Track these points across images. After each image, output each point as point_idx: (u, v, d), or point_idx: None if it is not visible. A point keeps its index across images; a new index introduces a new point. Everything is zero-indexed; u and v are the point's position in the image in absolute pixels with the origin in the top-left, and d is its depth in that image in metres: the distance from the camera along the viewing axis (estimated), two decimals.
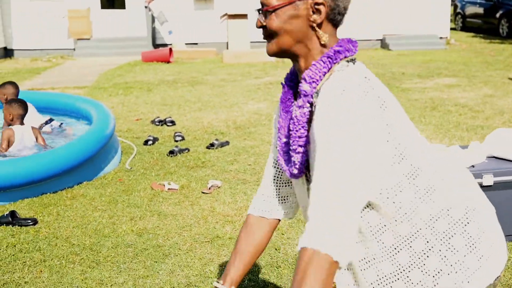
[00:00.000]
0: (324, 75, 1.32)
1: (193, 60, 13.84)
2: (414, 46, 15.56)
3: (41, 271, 3.22)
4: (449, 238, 1.34)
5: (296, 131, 1.35)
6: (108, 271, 3.21)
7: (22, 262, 3.34)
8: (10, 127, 5.04)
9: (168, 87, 9.42)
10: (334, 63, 1.33)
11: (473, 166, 3.40)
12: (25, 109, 5.09)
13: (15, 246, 3.55)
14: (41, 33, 15.63)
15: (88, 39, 15.63)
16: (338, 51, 1.32)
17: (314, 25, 1.31)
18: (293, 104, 1.42)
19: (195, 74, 11.01)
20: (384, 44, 16.29)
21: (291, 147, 1.39)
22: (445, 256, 1.33)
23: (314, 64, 1.33)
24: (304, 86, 1.32)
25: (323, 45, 1.34)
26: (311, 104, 1.33)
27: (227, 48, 15.38)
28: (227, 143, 5.78)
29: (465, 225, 1.35)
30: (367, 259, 1.38)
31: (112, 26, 15.94)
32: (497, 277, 1.39)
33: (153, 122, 6.82)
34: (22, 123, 5.09)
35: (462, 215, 1.36)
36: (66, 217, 4.02)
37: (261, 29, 1.55)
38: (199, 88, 9.23)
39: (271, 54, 1.37)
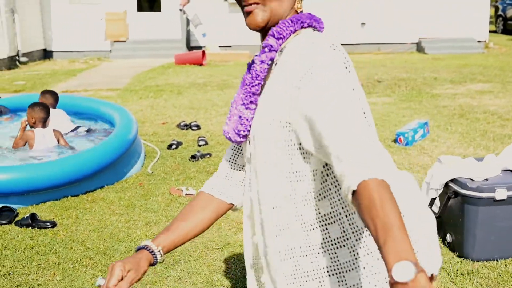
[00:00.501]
0: (290, 34, 1.31)
1: (226, 62, 13.94)
2: (451, 50, 15.30)
3: (54, 274, 3.31)
4: (367, 236, 1.30)
5: (252, 86, 1.33)
6: None
7: (37, 264, 3.44)
8: (31, 129, 5.23)
9: (198, 90, 9.51)
10: (302, 27, 1.32)
11: (486, 179, 3.35)
12: (47, 112, 5.27)
13: (32, 248, 3.66)
14: (79, 35, 15.98)
15: (124, 41, 15.91)
16: (307, 16, 1.33)
17: None
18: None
19: (225, 77, 11.09)
20: (419, 48, 16.07)
21: (243, 102, 1.35)
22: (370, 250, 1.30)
23: (282, 22, 1.31)
24: (270, 40, 1.30)
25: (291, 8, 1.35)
26: (272, 61, 1.32)
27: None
28: None
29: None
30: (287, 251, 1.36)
31: (148, 28, 16.18)
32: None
33: (178, 126, 6.91)
34: (44, 126, 5.26)
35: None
36: (84, 220, 4.12)
37: None
38: (228, 92, 9.29)
39: (261, 24, 1.30)
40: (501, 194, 3.25)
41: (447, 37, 16.06)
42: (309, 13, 1.36)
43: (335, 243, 1.30)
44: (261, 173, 1.34)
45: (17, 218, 4.14)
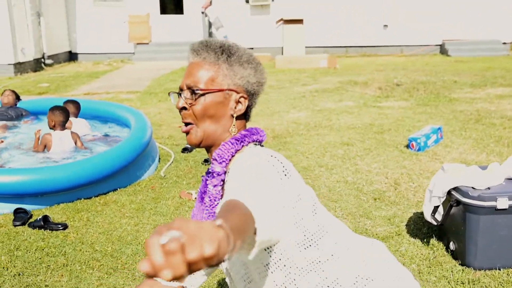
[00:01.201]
0: (232, 155, 1.42)
1: None
2: (475, 52, 15.12)
3: (62, 275, 3.41)
4: None
5: (212, 207, 1.45)
6: (123, 278, 3.36)
7: (46, 265, 3.55)
8: (50, 132, 5.40)
9: None
10: (242, 146, 1.43)
11: (489, 188, 3.34)
12: (66, 116, 5.48)
13: (43, 249, 3.77)
14: (103, 38, 16.23)
15: (147, 43, 16.11)
16: (245, 135, 1.43)
17: (235, 115, 1.43)
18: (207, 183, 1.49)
19: None
20: (443, 50, 15.92)
21: (207, 215, 1.48)
22: None
23: (223, 144, 1.42)
24: (215, 167, 1.42)
25: (231, 130, 1.46)
26: (223, 181, 1.43)
27: (282, 53, 15.47)
28: None
29: None
30: None
31: (170, 31, 16.36)
32: None
33: None
34: (62, 129, 5.43)
35: (351, 284, 1.40)
36: (95, 223, 4.22)
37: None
38: None
39: (196, 143, 1.45)
40: (502, 203, 3.24)
41: (471, 39, 15.88)
42: (248, 130, 1.45)
43: None
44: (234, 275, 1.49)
45: (30, 220, 4.26)
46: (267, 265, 1.36)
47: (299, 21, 14.95)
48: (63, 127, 5.47)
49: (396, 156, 5.55)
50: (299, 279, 1.36)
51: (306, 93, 9.36)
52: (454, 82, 9.99)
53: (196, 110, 1.42)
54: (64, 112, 5.45)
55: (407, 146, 5.74)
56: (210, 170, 1.45)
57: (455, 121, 6.94)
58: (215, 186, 1.44)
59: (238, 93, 1.44)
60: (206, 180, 1.49)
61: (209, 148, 1.49)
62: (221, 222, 0.89)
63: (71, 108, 6.13)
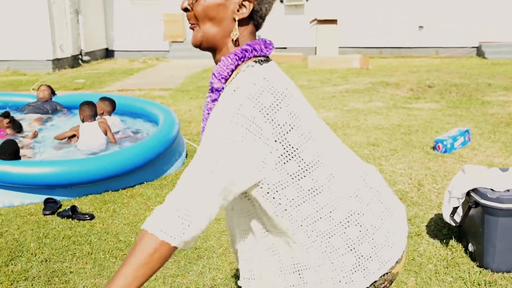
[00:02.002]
0: (232, 71, 1.44)
1: (279, 64, 14.05)
2: None
3: (86, 263, 3.54)
4: (329, 238, 1.43)
5: (208, 114, 1.52)
6: None
7: (72, 253, 3.68)
8: (79, 125, 5.66)
9: None
10: (242, 61, 1.43)
11: (508, 190, 3.33)
12: (93, 110, 5.82)
13: (70, 238, 3.92)
14: (139, 36, 16.51)
15: (182, 42, 16.32)
16: (246, 50, 1.43)
17: (237, 18, 1.41)
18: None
19: None
20: (479, 52, 15.68)
21: (203, 125, 1.56)
22: (324, 252, 1.44)
23: (222, 60, 1.44)
24: (215, 83, 1.46)
25: (236, 42, 1.45)
26: None
27: (315, 53, 15.48)
28: None
29: (345, 228, 1.44)
30: (250, 252, 1.55)
31: None
32: (383, 276, 1.49)
33: None
34: (91, 121, 5.71)
35: (343, 218, 1.44)
36: (121, 214, 4.35)
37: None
38: None
39: (196, 43, 1.47)
40: None
41: (509, 41, 15.58)
42: (250, 44, 1.45)
43: (303, 248, 1.48)
44: None
45: (59, 210, 4.42)
46: (254, 200, 1.44)
47: (333, 21, 14.94)
48: (92, 120, 5.71)
49: (421, 157, 5.54)
50: (290, 209, 1.40)
51: (336, 93, 9.36)
52: (488, 85, 9.84)
53: (196, 11, 1.42)
54: (91, 106, 5.78)
55: (434, 148, 5.72)
56: (210, 85, 1.48)
57: (485, 124, 6.86)
58: (213, 100, 1.48)
59: None
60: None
61: (213, 53, 1.50)
62: None
63: (106, 105, 6.30)
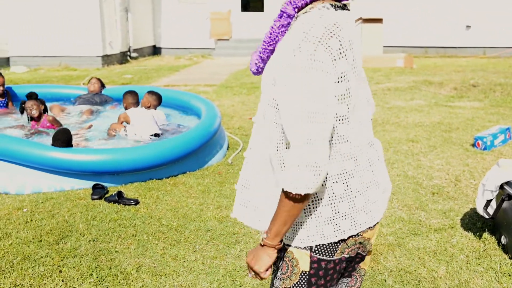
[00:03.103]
0: (306, 4, 1.57)
1: None
2: None
3: (130, 244, 3.76)
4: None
5: (270, 38, 1.63)
6: (184, 250, 3.66)
7: (118, 234, 3.91)
8: (125, 112, 6.17)
9: None
10: None
11: None
12: (136, 97, 6.43)
13: (116, 221, 4.14)
14: (186, 33, 16.85)
15: (228, 39, 16.57)
16: None
17: None
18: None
19: None
20: None
21: (260, 55, 1.68)
22: (316, 197, 1.61)
23: None
24: (287, 9, 1.58)
25: None
26: (289, 24, 1.60)
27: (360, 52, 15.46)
28: None
29: (333, 182, 1.60)
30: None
31: (250, 27, 16.74)
32: (354, 237, 1.65)
33: None
34: (136, 106, 6.35)
35: (336, 173, 1.59)
36: (164, 201, 4.56)
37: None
38: None
39: None
40: None
41: None
42: None
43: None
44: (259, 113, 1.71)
45: (106, 195, 4.66)
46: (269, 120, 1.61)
47: (379, 20, 14.90)
48: (136, 105, 6.08)
49: (460, 154, 5.56)
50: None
51: (378, 91, 9.40)
52: None
53: None
54: (133, 94, 6.25)
55: (473, 145, 5.73)
56: (282, 10, 1.60)
57: None
58: (281, 25, 1.60)
59: None
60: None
61: None
62: (264, 238, 1.60)
63: (153, 99, 6.52)
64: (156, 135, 6.00)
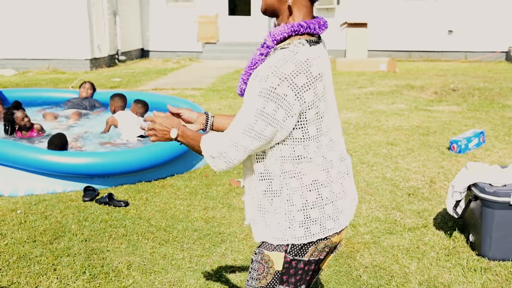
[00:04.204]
0: (284, 38, 1.80)
1: None
2: None
3: (121, 243, 3.96)
4: (293, 193, 1.86)
5: (251, 63, 1.90)
6: (172, 249, 3.87)
7: (109, 235, 4.11)
8: (111, 116, 6.36)
9: None
10: (296, 34, 1.79)
11: (505, 185, 3.62)
12: (124, 101, 6.67)
13: (107, 222, 4.34)
14: (173, 37, 17.03)
15: (215, 43, 16.77)
16: (301, 25, 1.78)
17: None
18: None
19: None
20: (509, 57, 15.71)
21: (243, 77, 1.95)
22: (287, 201, 1.87)
23: (281, 26, 1.81)
24: (267, 41, 1.83)
25: (291, 10, 1.80)
26: (268, 54, 1.85)
27: (345, 56, 15.74)
28: None
29: (308, 191, 1.85)
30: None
31: (237, 31, 16.96)
32: (323, 240, 1.90)
33: None
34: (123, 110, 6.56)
35: (309, 183, 1.85)
36: (153, 202, 4.77)
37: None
38: None
39: (262, 10, 1.87)
40: None
41: None
42: (306, 22, 1.80)
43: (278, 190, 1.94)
44: None
45: (97, 197, 4.86)
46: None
47: (363, 25, 15.19)
48: (123, 110, 6.27)
49: (436, 156, 5.82)
50: (278, 160, 1.84)
51: (361, 95, 9.66)
52: (511, 89, 10.01)
53: None
54: (122, 98, 6.52)
55: (449, 148, 5.99)
56: (264, 41, 1.86)
57: (501, 126, 7.09)
58: (261, 54, 1.87)
59: None
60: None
61: (276, 18, 1.86)
62: (178, 130, 1.92)
63: (137, 107, 6.75)
64: (142, 136, 6.21)
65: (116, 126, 6.28)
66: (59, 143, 5.26)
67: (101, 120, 7.04)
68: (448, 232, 4.06)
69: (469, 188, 3.78)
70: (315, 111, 1.77)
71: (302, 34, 1.79)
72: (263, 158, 1.87)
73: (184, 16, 16.94)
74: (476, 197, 3.67)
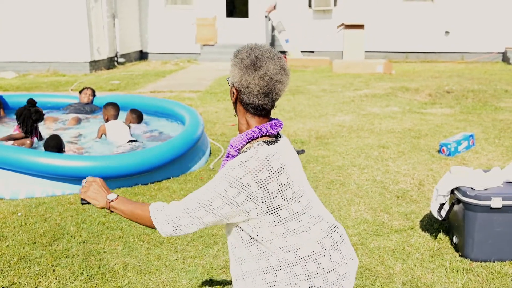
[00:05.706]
0: (243, 146, 2.00)
1: (306, 68, 14.52)
2: None
3: (117, 245, 4.11)
4: (293, 266, 1.96)
5: (222, 163, 2.08)
6: (167, 250, 4.01)
7: (106, 236, 4.25)
8: (102, 124, 6.57)
9: None
10: (253, 139, 1.99)
11: (486, 189, 3.77)
12: (117, 110, 6.75)
13: (104, 224, 4.49)
14: (172, 39, 17.18)
15: (213, 45, 16.92)
16: (254, 131, 1.99)
17: (232, 101, 2.04)
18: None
19: (300, 83, 11.70)
20: (505, 58, 15.85)
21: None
22: (289, 273, 1.97)
23: (238, 136, 2.02)
24: (231, 151, 2.03)
25: (244, 119, 2.02)
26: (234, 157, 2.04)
27: (342, 57, 15.88)
28: (302, 151, 6.41)
29: (306, 262, 1.97)
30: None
31: (235, 33, 17.11)
32: None
33: None
34: (115, 119, 6.65)
35: (306, 255, 1.98)
36: None
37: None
38: (297, 98, 9.91)
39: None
40: (496, 202, 3.67)
41: None
42: (259, 127, 1.99)
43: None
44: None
45: None
46: (237, 227, 2.02)
47: (360, 26, 15.33)
48: (115, 119, 6.39)
49: (426, 159, 5.97)
50: (265, 241, 1.96)
51: (355, 98, 9.81)
52: (505, 91, 10.15)
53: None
54: (115, 107, 6.61)
55: (439, 151, 6.14)
56: (227, 152, 2.05)
57: (492, 129, 7.23)
58: (228, 156, 2.05)
59: (232, 87, 2.01)
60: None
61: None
62: (112, 199, 2.07)
63: (131, 117, 6.95)
64: (132, 141, 6.38)
65: (106, 135, 6.49)
66: (54, 144, 5.44)
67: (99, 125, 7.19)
68: (434, 234, 4.20)
69: (452, 191, 3.92)
70: (282, 198, 1.93)
71: (258, 138, 2.00)
72: (252, 241, 2.00)
73: (182, 18, 17.09)
74: (459, 201, 3.82)
